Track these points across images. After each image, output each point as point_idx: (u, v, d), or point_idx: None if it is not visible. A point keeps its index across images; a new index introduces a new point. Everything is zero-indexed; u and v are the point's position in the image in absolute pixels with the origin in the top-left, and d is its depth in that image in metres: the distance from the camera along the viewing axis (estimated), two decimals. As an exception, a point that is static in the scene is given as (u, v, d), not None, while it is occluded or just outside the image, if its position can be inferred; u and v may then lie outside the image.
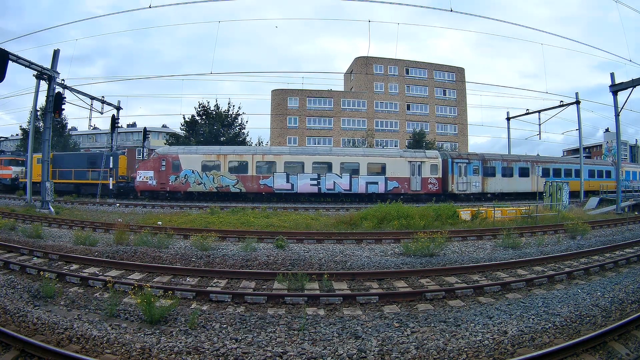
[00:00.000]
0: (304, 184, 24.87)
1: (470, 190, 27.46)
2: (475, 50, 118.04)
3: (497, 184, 28.60)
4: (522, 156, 32.21)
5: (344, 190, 25.26)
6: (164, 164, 24.74)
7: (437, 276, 8.13)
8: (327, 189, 25.06)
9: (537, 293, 7.00)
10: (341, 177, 25.22)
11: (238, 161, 25.13)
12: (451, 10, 16.48)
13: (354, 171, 25.37)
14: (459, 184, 27.06)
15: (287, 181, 24.84)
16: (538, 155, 37.95)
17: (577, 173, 30.92)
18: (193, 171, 24.55)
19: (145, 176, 24.77)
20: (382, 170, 25.77)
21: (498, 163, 29.06)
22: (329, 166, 25.24)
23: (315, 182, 25.03)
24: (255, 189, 24.84)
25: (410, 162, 26.31)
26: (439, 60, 76.63)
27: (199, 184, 24.58)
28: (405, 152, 28.32)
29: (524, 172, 29.78)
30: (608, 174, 34.72)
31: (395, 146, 46.67)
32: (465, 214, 16.54)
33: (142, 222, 15.17)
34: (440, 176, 26.72)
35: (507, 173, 29.16)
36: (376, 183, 25.48)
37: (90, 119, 25.84)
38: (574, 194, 29.24)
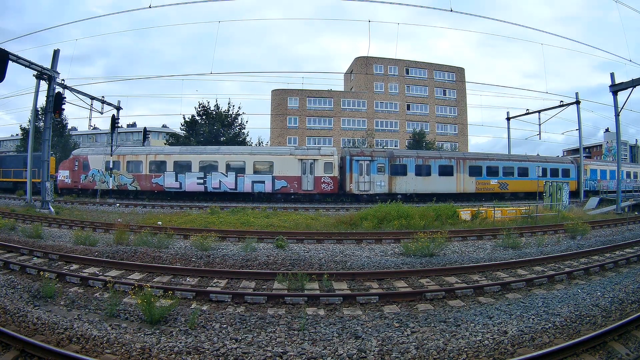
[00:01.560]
0: (191, 182, 25.55)
1: (374, 190, 25.69)
2: (477, 50, 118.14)
3: (409, 183, 26.30)
4: (445, 152, 30.08)
5: (230, 189, 25.41)
6: (76, 164, 27.07)
7: (437, 276, 8.13)
8: (213, 188, 25.42)
9: (537, 293, 7.00)
10: (227, 176, 25.46)
11: (134, 161, 26.47)
12: (451, 10, 16.48)
13: (240, 170, 25.41)
14: (359, 183, 25.59)
15: (176, 180, 25.71)
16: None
17: (524, 171, 29.00)
18: (99, 170, 26.49)
19: (63, 175, 27.22)
20: (270, 168, 25.56)
21: (410, 160, 26.73)
22: (215, 165, 25.64)
23: (201, 180, 25.54)
24: (149, 188, 25.88)
25: (301, 160, 25.62)
26: (440, 60, 76.79)
27: (103, 182, 26.28)
28: (296, 150, 27.26)
29: (446, 171, 27.15)
30: (566, 172, 31.00)
31: (395, 146, 46.67)
32: (465, 214, 16.55)
33: (142, 222, 15.17)
34: (337, 175, 25.70)
35: (423, 171, 26.74)
36: (262, 182, 25.35)
37: (90, 119, 25.79)
38: (517, 196, 27.88)
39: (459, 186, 27.03)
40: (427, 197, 23.81)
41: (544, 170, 30.37)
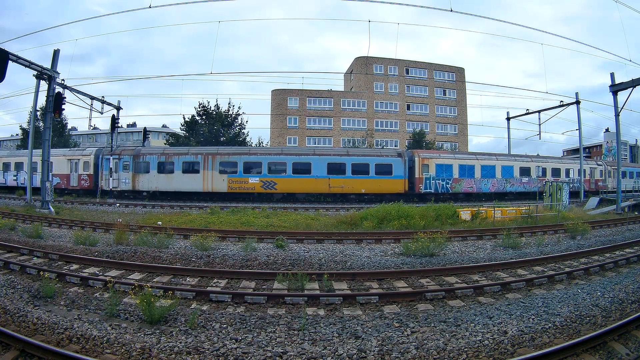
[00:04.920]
0: (8, 180, 29.35)
1: (121, 187, 25.88)
2: (478, 50, 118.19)
3: (152, 181, 25.41)
4: (193, 148, 27.94)
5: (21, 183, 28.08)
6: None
7: (437, 276, 8.13)
8: (20, 184, 28.25)
9: (537, 293, 7.00)
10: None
11: None
12: (451, 10, 16.48)
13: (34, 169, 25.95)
14: (110, 180, 25.89)
15: (2, 177, 29.76)
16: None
17: (305, 168, 25.16)
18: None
19: None
20: (50, 167, 26.95)
21: (153, 158, 25.70)
22: (20, 165, 28.70)
23: (14, 177, 29.26)
24: None
25: (70, 159, 27.87)
26: (441, 60, 76.83)
27: None
28: (68, 151, 29.57)
29: (191, 168, 25.44)
30: (386, 169, 25.72)
31: (395, 146, 46.67)
32: (465, 214, 16.56)
33: (142, 222, 15.17)
34: (92, 172, 27.18)
35: (167, 169, 25.55)
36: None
37: (90, 119, 25.88)
38: (315, 197, 24.76)
39: (205, 185, 25.01)
40: (175, 196, 24.96)
41: (337, 166, 25.41)
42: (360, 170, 25.43)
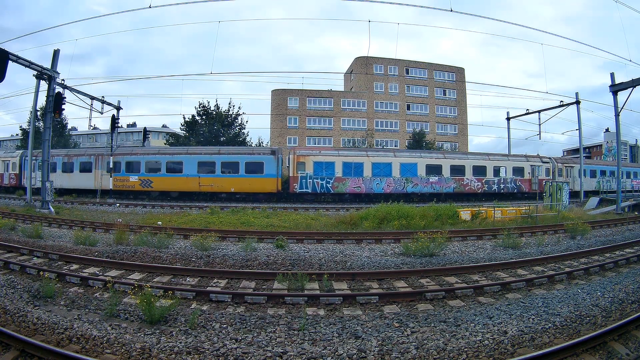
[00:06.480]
0: None
1: (37, 185, 26.29)
2: (479, 50, 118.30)
3: (57, 179, 26.11)
4: (88, 149, 28.91)
5: None
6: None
7: (437, 276, 8.13)
8: None
9: (537, 293, 7.00)
10: None
11: None
12: (451, 10, 16.47)
13: None
14: (29, 179, 26.69)
15: None
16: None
17: (176, 167, 25.64)
18: None
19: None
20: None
21: (59, 158, 27.42)
22: None
23: None
24: None
25: (3, 160, 30.90)
26: (442, 60, 76.80)
27: None
28: (3, 153, 32.58)
29: (86, 167, 26.67)
30: (257, 167, 25.13)
31: (395, 146, 46.67)
32: (465, 214, 16.55)
33: (142, 222, 15.17)
34: (18, 172, 29.72)
35: (69, 169, 27.36)
36: None
37: (90, 119, 25.89)
38: (188, 196, 24.85)
39: (96, 183, 26.69)
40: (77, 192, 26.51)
41: (207, 165, 25.42)
42: (230, 168, 25.38)
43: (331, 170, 25.63)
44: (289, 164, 25.83)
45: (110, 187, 26.00)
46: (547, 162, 31.16)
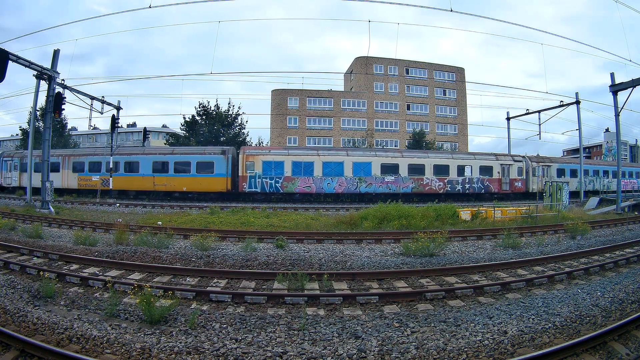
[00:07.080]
0: None
1: (13, 184, 28.95)
2: (479, 50, 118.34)
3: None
4: (57, 150, 28.75)
5: None
6: None
7: (437, 276, 8.13)
8: None
9: (537, 293, 6.99)
10: None
11: None
12: (451, 10, 16.47)
13: None
14: (5, 178, 29.05)
15: None
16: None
17: (133, 166, 26.25)
18: None
19: None
20: None
21: (25, 160, 26.15)
22: None
23: None
24: None
25: None
26: (442, 60, 76.77)
27: None
28: None
29: (53, 168, 25.34)
30: (207, 167, 25.42)
31: (395, 146, 46.68)
32: (465, 214, 16.55)
33: (142, 222, 15.17)
34: None
35: (39, 169, 24.76)
36: None
37: (90, 119, 25.93)
38: (145, 194, 25.62)
39: (63, 182, 27.21)
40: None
41: (161, 165, 26.09)
42: (182, 168, 25.87)
43: (280, 169, 25.58)
44: (237, 163, 25.83)
45: (76, 186, 27.36)
46: (520, 161, 29.84)
